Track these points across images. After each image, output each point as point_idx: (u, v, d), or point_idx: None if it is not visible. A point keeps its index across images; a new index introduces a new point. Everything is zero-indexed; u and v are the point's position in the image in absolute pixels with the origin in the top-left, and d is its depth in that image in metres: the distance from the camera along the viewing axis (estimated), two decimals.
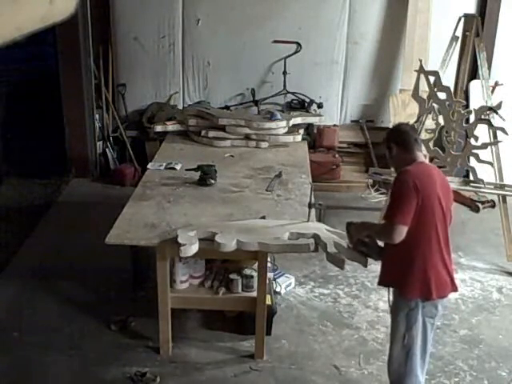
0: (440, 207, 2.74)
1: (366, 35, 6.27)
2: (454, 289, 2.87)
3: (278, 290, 4.23)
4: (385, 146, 2.96)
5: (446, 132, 4.81)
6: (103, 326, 3.87)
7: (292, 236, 3.28)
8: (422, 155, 2.92)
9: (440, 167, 4.89)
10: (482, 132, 4.73)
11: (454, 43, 5.26)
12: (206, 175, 4.09)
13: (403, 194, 2.70)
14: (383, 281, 2.95)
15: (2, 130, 6.66)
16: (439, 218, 2.74)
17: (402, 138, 2.88)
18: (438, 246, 2.75)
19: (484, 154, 4.71)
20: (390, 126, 6.01)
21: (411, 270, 2.75)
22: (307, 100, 6.31)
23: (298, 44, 6.25)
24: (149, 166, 4.53)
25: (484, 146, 4.65)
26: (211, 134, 5.11)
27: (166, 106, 6.32)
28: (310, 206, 3.48)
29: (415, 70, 4.89)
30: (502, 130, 4.62)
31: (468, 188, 5.00)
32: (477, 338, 3.90)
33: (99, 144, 6.45)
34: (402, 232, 2.66)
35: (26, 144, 6.48)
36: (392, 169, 3.63)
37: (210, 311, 3.89)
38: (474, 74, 5.93)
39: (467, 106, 5.59)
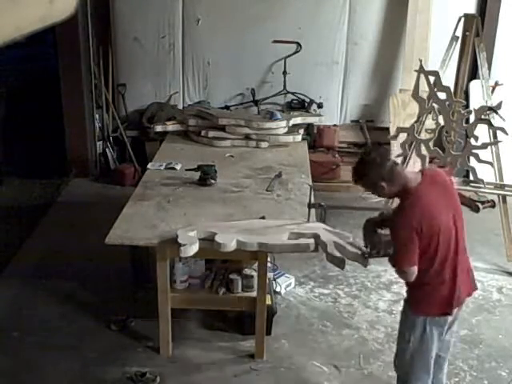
0: (450, 228, 2.70)
1: (366, 35, 6.27)
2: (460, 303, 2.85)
3: (278, 289, 4.23)
4: (372, 190, 2.76)
5: (446, 132, 4.80)
6: (103, 326, 3.87)
7: (292, 236, 3.28)
8: (412, 170, 2.84)
9: (440, 167, 4.91)
10: (482, 132, 4.73)
11: (454, 43, 5.26)
12: (206, 175, 4.09)
13: (405, 237, 2.63)
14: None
15: (2, 130, 6.67)
16: (452, 239, 2.71)
17: (385, 170, 2.65)
18: (449, 262, 2.73)
19: (484, 154, 4.71)
20: (390, 126, 6.03)
21: (419, 290, 2.77)
22: (307, 100, 6.31)
23: (298, 44, 6.25)
24: (149, 165, 4.52)
25: (484, 146, 4.65)
26: (211, 133, 5.10)
27: (166, 106, 6.32)
28: (309, 206, 3.48)
29: (415, 70, 4.89)
30: (502, 129, 4.62)
31: (468, 188, 5.00)
32: (477, 338, 3.90)
33: (99, 144, 6.44)
34: (413, 272, 2.66)
35: (26, 144, 6.49)
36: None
37: (210, 311, 3.89)
38: (474, 74, 5.93)
39: (467, 106, 5.58)
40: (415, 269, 2.66)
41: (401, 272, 2.74)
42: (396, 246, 2.70)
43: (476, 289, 2.97)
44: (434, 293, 2.75)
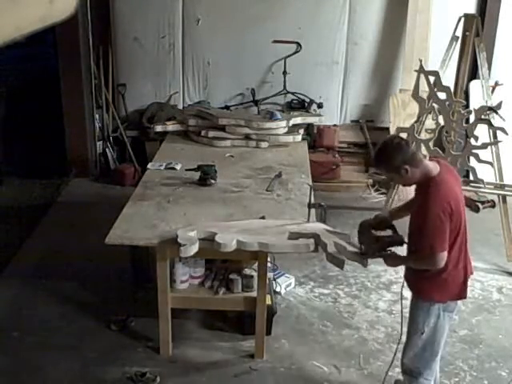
0: (464, 212, 2.78)
1: (366, 35, 6.27)
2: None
3: (278, 290, 4.23)
4: (394, 173, 2.74)
5: (446, 132, 4.81)
6: (103, 326, 3.87)
7: (292, 236, 3.28)
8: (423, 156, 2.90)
9: None
10: (482, 132, 4.73)
11: (454, 43, 5.26)
12: (206, 175, 4.09)
13: (437, 220, 2.63)
14: (409, 284, 2.98)
15: (2, 130, 6.67)
16: (464, 225, 2.78)
17: (408, 154, 2.70)
18: (463, 249, 2.80)
19: (484, 154, 4.71)
20: (390, 126, 6.03)
21: (434, 278, 2.78)
22: (307, 100, 6.31)
23: (298, 44, 6.25)
24: (149, 165, 4.52)
25: (484, 146, 4.65)
26: (211, 133, 5.10)
27: (166, 106, 6.32)
28: (309, 206, 3.48)
29: (415, 70, 4.89)
30: (502, 129, 4.62)
31: (468, 188, 5.00)
32: (477, 338, 3.89)
33: (99, 144, 6.45)
34: (443, 258, 2.67)
35: (26, 144, 6.49)
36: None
37: (210, 311, 3.89)
38: (474, 74, 5.93)
39: (467, 106, 5.58)
40: (445, 254, 2.67)
41: (434, 258, 2.66)
42: (427, 233, 2.67)
43: (472, 272, 2.98)
44: (452, 278, 2.79)
